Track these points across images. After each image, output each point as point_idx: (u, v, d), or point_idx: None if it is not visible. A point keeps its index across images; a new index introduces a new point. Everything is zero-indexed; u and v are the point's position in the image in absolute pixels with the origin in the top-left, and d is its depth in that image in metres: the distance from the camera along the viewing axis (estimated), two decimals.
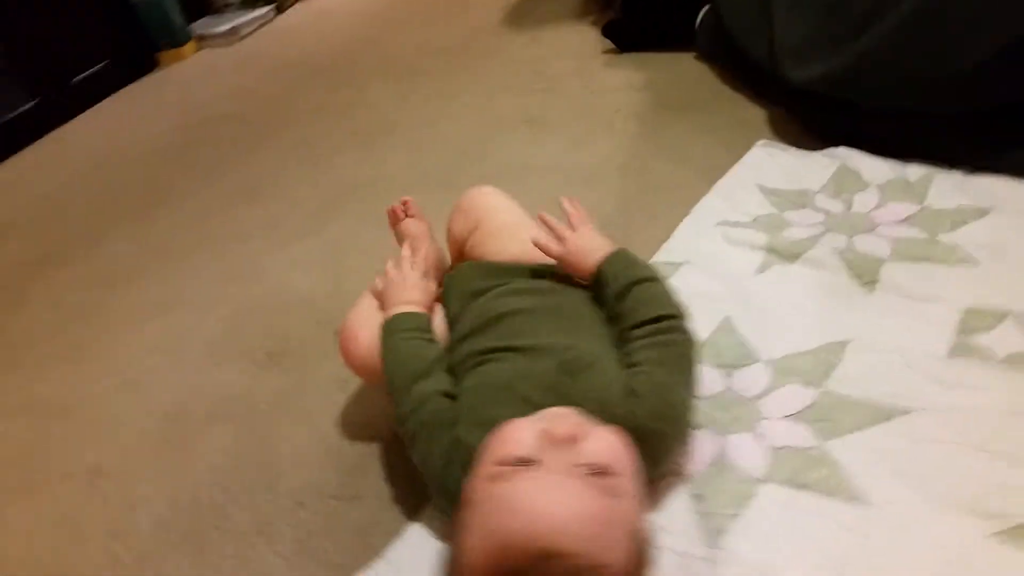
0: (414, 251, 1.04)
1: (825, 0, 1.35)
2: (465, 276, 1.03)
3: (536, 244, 0.98)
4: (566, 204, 1.02)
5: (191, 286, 1.51)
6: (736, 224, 1.23)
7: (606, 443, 0.74)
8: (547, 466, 0.70)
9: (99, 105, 2.74)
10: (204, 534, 0.98)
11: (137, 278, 1.60)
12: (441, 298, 1.03)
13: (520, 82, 2.09)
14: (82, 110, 2.68)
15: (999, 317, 0.97)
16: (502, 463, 0.71)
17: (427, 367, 0.89)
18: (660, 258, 1.21)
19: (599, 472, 0.70)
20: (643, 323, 0.87)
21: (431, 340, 0.93)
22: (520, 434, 0.74)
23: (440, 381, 0.88)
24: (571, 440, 0.71)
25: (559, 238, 0.98)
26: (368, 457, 1.00)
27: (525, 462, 0.70)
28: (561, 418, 0.75)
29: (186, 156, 2.14)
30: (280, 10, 3.52)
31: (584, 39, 2.21)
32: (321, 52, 2.73)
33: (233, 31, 3.31)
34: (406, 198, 1.18)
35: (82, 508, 1.06)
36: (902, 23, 1.21)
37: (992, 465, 0.79)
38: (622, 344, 0.88)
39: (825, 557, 0.76)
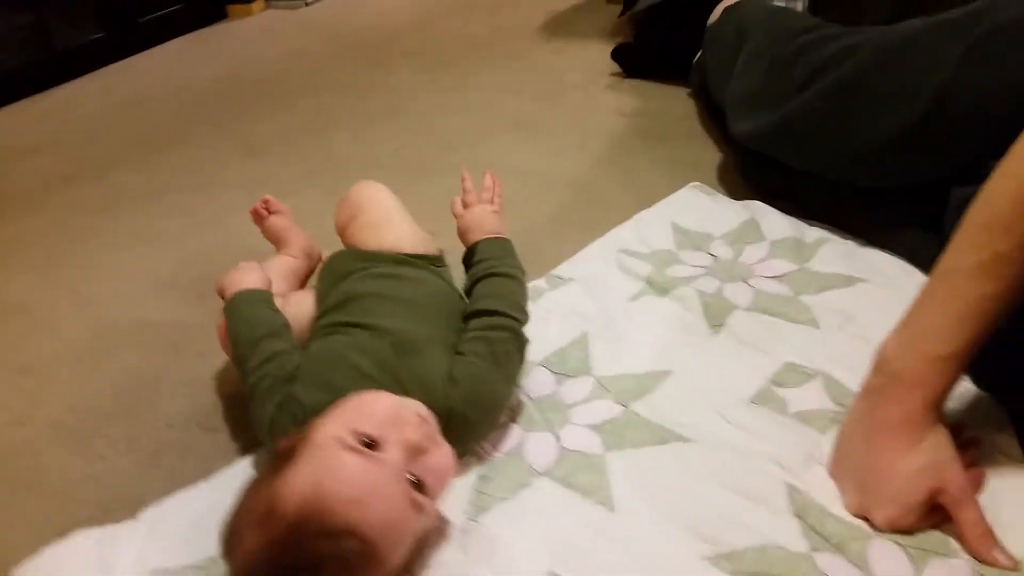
0: (279, 244, 1.23)
1: (773, 61, 1.44)
2: (337, 260, 1.13)
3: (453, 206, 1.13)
4: (488, 179, 1.14)
5: (168, 225, 1.68)
6: (633, 254, 1.33)
7: (443, 465, 0.83)
8: (383, 458, 0.78)
9: (161, 46, 2.96)
10: (87, 437, 1.14)
11: (131, 209, 1.78)
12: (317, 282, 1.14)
13: (528, 88, 2.20)
14: (144, 48, 2.90)
15: (809, 376, 1.05)
16: (352, 434, 0.78)
17: (275, 329, 0.99)
18: (556, 271, 1.32)
19: (420, 488, 0.79)
20: (480, 313, 0.97)
21: (275, 310, 1.03)
22: (377, 411, 0.82)
23: (287, 342, 0.98)
24: (421, 451, 0.81)
25: (466, 203, 1.11)
26: (239, 398, 1.14)
27: (370, 442, 0.79)
28: (419, 422, 0.83)
29: (214, 105, 2.33)
30: None
31: (604, 58, 2.31)
32: (370, 30, 2.88)
33: None
34: (266, 197, 1.30)
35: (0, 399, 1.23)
36: (824, 92, 1.30)
37: (725, 498, 0.89)
38: (464, 332, 0.99)
39: (560, 545, 0.86)
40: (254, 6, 3.46)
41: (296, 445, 0.80)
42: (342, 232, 1.20)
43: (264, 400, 0.94)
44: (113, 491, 1.05)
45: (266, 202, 1.31)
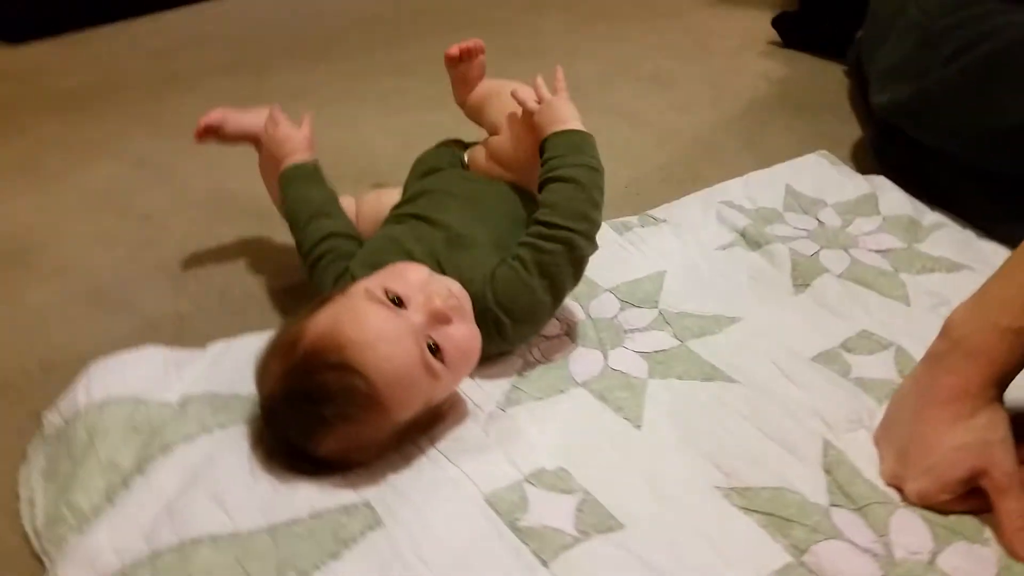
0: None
1: (925, 33, 1.35)
2: (427, 156, 1.17)
3: (515, 96, 1.03)
4: (558, 72, 1.05)
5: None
6: (736, 207, 1.30)
7: (464, 337, 0.85)
8: (404, 314, 0.81)
9: None
10: (185, 281, 1.25)
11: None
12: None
13: (676, 45, 2.17)
14: None
15: (882, 346, 1.00)
16: (381, 288, 0.83)
17: (322, 208, 1.04)
18: (652, 211, 1.31)
19: (437, 352, 0.82)
20: (537, 222, 0.95)
21: (320, 182, 1.07)
22: (410, 277, 0.86)
23: (337, 220, 1.04)
24: (443, 319, 0.82)
25: (539, 98, 1.01)
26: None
27: (396, 300, 0.83)
28: (448, 294, 0.84)
29: (372, 28, 2.42)
30: None
31: (763, 26, 2.23)
32: None
33: None
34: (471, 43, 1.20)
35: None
36: (968, 67, 1.21)
37: (755, 439, 0.87)
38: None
39: (578, 448, 0.87)
40: None
41: (333, 295, 0.86)
42: (467, 103, 1.22)
43: (323, 275, 1.01)
44: (194, 329, 1.14)
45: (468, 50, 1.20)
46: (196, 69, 2.15)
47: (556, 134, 0.97)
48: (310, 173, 1.08)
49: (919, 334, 1.00)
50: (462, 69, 1.21)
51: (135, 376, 0.95)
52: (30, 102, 2.04)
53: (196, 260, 1.31)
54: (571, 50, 2.17)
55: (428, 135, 1.31)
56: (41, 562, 0.79)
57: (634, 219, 1.29)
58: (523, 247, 0.95)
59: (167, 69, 2.20)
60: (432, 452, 0.86)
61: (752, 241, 1.21)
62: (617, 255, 1.20)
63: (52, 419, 0.91)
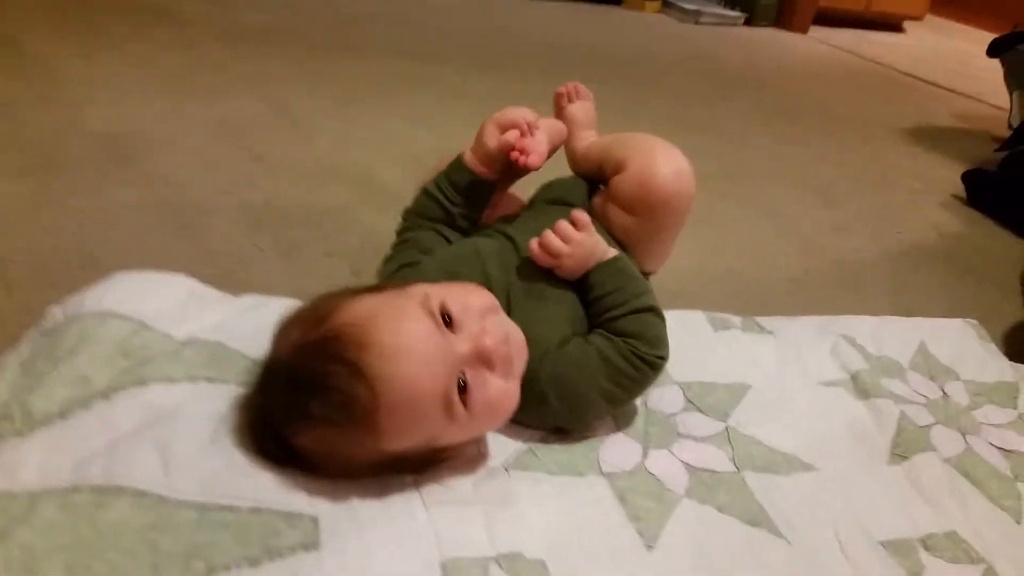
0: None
1: None
2: (557, 184, 1.09)
3: (544, 247, 0.87)
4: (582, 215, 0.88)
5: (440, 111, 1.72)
6: (856, 346, 1.13)
7: (499, 393, 0.74)
8: (449, 339, 0.72)
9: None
10: (260, 228, 1.22)
11: (298, 77, 1.85)
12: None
13: (856, 170, 2.02)
14: None
15: (971, 559, 0.82)
16: (439, 303, 0.73)
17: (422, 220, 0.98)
18: (761, 319, 1.16)
19: (464, 392, 0.71)
20: (634, 353, 0.84)
21: (444, 198, 0.98)
22: (472, 301, 0.76)
23: (424, 233, 0.97)
24: (487, 362, 0.73)
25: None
26: None
27: (447, 319, 0.73)
28: (503, 339, 0.75)
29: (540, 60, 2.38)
30: (749, 23, 3.63)
31: (952, 177, 2.05)
32: (747, 67, 2.80)
33: (696, 13, 3.49)
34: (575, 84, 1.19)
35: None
36: None
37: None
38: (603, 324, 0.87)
39: (568, 549, 0.74)
40: (648, 4, 3.52)
41: (393, 284, 0.78)
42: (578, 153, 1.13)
43: (391, 259, 0.95)
44: (246, 278, 1.08)
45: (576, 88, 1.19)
46: (373, 44, 2.17)
47: (601, 266, 0.88)
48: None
49: (1021, 560, 0.82)
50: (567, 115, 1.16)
51: (152, 300, 0.88)
52: (212, 26, 2.11)
53: (284, 213, 1.26)
54: (743, 136, 2.05)
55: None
56: None
57: (737, 320, 1.15)
58: (606, 340, 0.85)
59: (349, 36, 2.23)
60: (409, 488, 0.75)
61: (861, 389, 1.05)
62: (703, 350, 1.07)
63: (54, 313, 0.86)
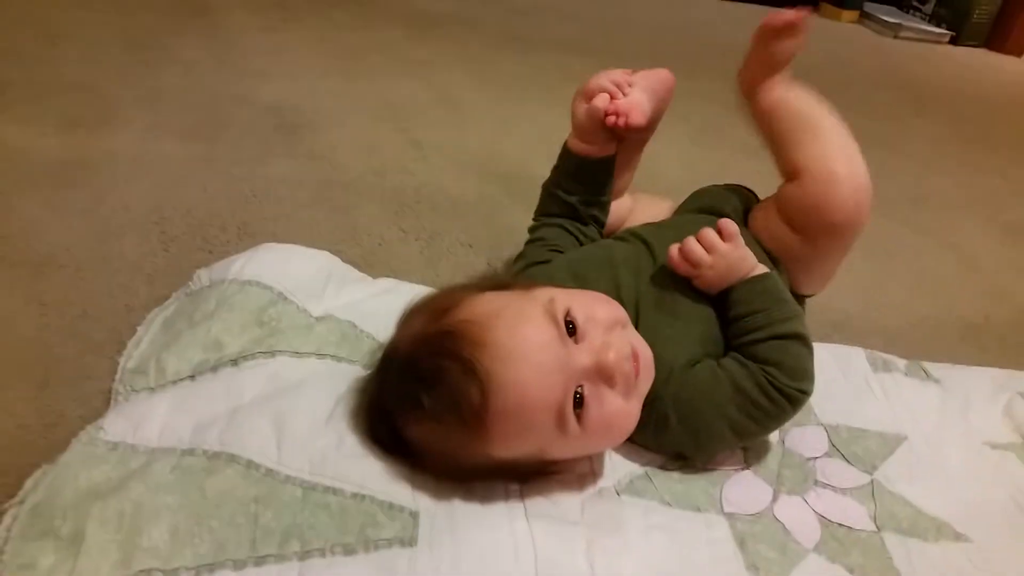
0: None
1: None
2: (706, 192, 1.03)
3: (684, 256, 0.81)
4: (729, 224, 0.82)
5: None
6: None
7: (616, 411, 0.70)
8: (571, 349, 0.68)
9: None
10: (336, 211, 1.20)
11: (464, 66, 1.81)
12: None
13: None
14: None
15: None
16: (564, 310, 0.70)
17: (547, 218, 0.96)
18: (928, 364, 1.05)
19: (580, 407, 0.68)
20: (770, 362, 0.77)
21: (559, 190, 0.95)
22: (599, 313, 0.72)
23: (550, 230, 0.94)
24: (608, 377, 0.69)
25: (710, 248, 0.81)
26: None
27: (571, 328, 0.69)
28: (628, 356, 0.71)
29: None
30: (956, 42, 3.34)
31: None
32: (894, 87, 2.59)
33: (896, 27, 3.26)
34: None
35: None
36: None
37: None
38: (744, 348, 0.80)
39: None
40: (845, 13, 3.33)
41: (520, 284, 0.76)
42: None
43: (520, 257, 0.93)
44: (383, 260, 1.09)
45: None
46: (542, 37, 2.15)
47: (746, 283, 0.81)
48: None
49: None
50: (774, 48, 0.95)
51: (294, 273, 0.90)
52: (391, 10, 2.16)
53: (432, 199, 1.26)
54: (933, 160, 1.88)
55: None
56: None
57: (901, 363, 1.04)
58: (741, 366, 0.78)
59: (519, 27, 2.23)
60: (514, 497, 0.72)
61: None
62: (858, 392, 0.97)
63: (201, 276, 0.89)
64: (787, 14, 0.92)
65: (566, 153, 0.95)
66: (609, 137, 0.92)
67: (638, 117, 0.87)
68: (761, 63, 0.95)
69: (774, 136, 0.93)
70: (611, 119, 0.87)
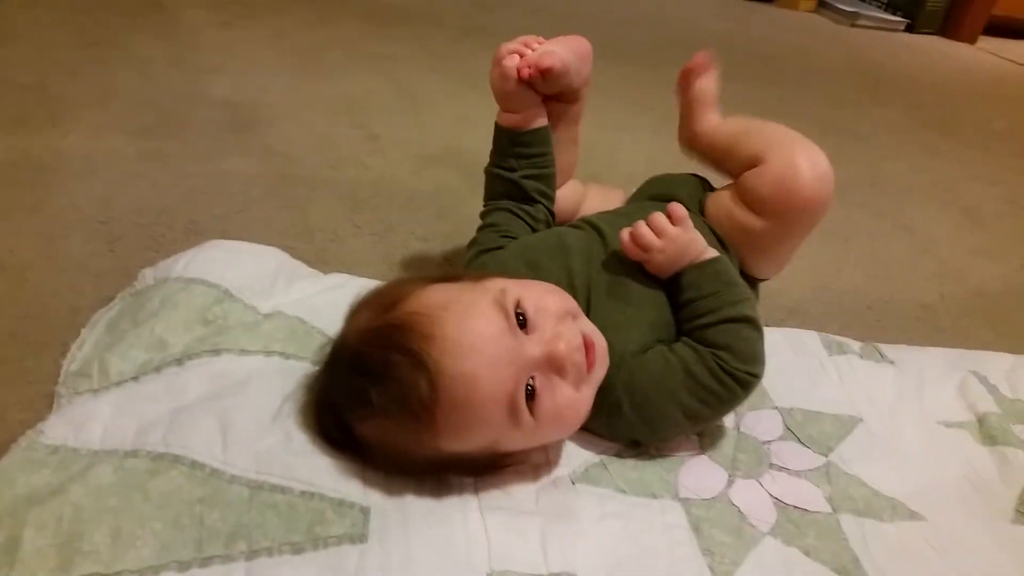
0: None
1: None
2: (664, 180, 1.03)
3: (635, 241, 0.81)
4: (678, 208, 0.82)
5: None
6: (988, 386, 1.01)
7: (568, 402, 0.69)
8: (521, 341, 0.67)
9: None
10: (357, 202, 1.20)
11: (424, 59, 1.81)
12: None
13: (1014, 191, 1.82)
14: None
15: None
16: (515, 301, 0.69)
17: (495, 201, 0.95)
18: (882, 345, 1.06)
19: (532, 399, 0.67)
20: (719, 346, 0.77)
21: (500, 169, 0.95)
22: (549, 304, 0.72)
23: (500, 215, 0.94)
24: (559, 368, 0.68)
25: (660, 232, 0.80)
26: None
27: (521, 319, 0.69)
28: (578, 347, 0.70)
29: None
30: (911, 29, 3.38)
31: None
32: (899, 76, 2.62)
33: (852, 15, 3.29)
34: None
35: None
36: None
37: None
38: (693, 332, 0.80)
39: (625, 562, 0.69)
40: (802, 3, 3.36)
41: (470, 275, 0.74)
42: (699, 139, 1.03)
43: (473, 244, 0.92)
44: (338, 255, 1.07)
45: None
46: (504, 30, 2.14)
47: (696, 266, 0.81)
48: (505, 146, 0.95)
49: None
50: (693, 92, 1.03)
51: (241, 270, 0.89)
52: (351, 4, 2.14)
53: (388, 193, 1.24)
54: (889, 145, 1.90)
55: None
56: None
57: (856, 345, 1.05)
58: (692, 351, 0.78)
59: (481, 20, 2.22)
60: (467, 490, 0.71)
61: (988, 434, 0.93)
62: (813, 374, 0.98)
63: (146, 275, 0.87)
64: (693, 58, 1.01)
65: (497, 130, 0.94)
66: (532, 100, 0.92)
67: (549, 60, 0.87)
68: (690, 108, 1.03)
69: (725, 149, 0.97)
70: (524, 71, 0.87)
